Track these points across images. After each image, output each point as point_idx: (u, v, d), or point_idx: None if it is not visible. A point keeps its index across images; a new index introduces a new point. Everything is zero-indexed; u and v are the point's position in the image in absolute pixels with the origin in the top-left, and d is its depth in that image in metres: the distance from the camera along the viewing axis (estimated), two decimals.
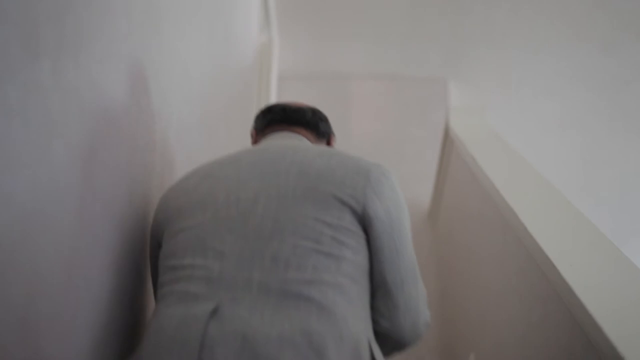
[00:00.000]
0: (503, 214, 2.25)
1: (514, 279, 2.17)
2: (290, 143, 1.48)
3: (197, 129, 1.98)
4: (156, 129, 1.46)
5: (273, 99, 4.25)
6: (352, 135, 4.67)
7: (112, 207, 1.16)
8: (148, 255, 1.39)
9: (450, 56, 4.89)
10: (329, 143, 1.67)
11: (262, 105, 4.11)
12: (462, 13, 4.59)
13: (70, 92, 0.96)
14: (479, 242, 2.79)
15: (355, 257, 1.29)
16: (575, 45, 4.73)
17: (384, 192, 1.36)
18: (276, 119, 1.59)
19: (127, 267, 1.26)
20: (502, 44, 4.76)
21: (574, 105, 5.02)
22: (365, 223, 1.32)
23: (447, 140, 3.72)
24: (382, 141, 4.73)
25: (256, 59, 3.91)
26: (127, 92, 1.24)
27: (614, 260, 1.64)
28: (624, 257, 1.65)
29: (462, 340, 3.27)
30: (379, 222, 1.33)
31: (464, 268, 3.19)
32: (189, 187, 1.35)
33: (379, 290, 1.34)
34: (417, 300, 1.39)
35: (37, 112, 0.85)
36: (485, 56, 4.84)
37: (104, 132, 1.10)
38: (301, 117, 1.60)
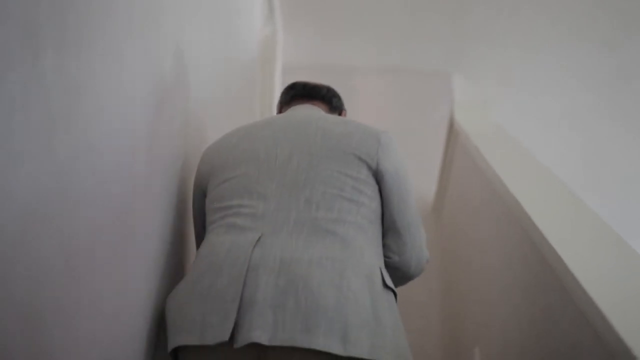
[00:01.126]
0: (508, 206, 2.24)
1: (519, 271, 2.16)
2: (312, 112, 1.81)
3: (202, 123, 1.97)
4: (160, 125, 1.46)
5: (277, 91, 4.25)
6: None
7: (114, 202, 1.16)
8: (191, 207, 1.66)
9: (454, 50, 4.88)
10: (341, 115, 2.01)
11: (266, 98, 4.11)
12: (466, 8, 4.57)
13: (72, 88, 0.95)
14: (484, 235, 2.78)
15: (371, 203, 1.61)
16: (577, 42, 4.72)
17: (391, 153, 1.69)
18: (298, 94, 1.95)
19: (127, 262, 1.26)
20: (505, 39, 4.75)
21: (576, 101, 5.01)
22: (378, 177, 1.64)
23: (451, 134, 3.71)
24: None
25: (260, 52, 3.90)
26: (129, 89, 1.24)
27: (620, 252, 1.64)
28: (630, 248, 1.64)
29: (466, 334, 3.26)
30: (389, 175, 1.66)
31: (469, 261, 3.18)
32: (231, 144, 1.68)
33: (390, 231, 1.66)
34: (421, 241, 1.72)
35: (39, 108, 0.85)
36: (489, 51, 4.83)
37: (106, 128, 1.10)
38: (318, 92, 1.96)
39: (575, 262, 1.59)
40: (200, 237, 1.71)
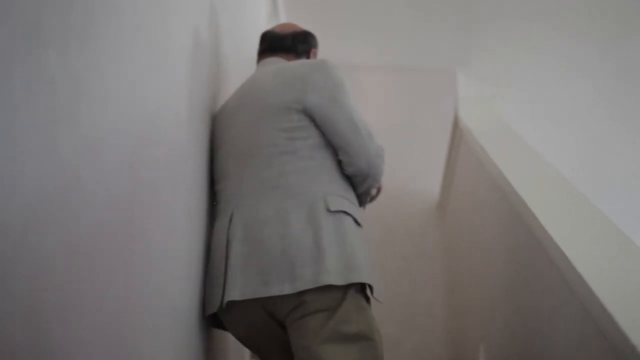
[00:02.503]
0: (513, 203, 2.24)
1: (523, 269, 2.16)
2: (267, 70, 2.02)
3: (206, 120, 1.97)
4: (164, 121, 1.46)
5: None
6: None
7: (119, 198, 1.16)
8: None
9: (458, 47, 4.87)
10: (309, 56, 2.22)
11: None
12: (471, 4, 4.57)
13: (76, 81, 0.95)
14: (489, 233, 2.78)
15: (306, 142, 1.86)
16: (577, 41, 4.72)
17: (318, 84, 1.89)
18: (266, 47, 2.16)
19: (131, 260, 1.26)
20: (507, 38, 4.74)
21: (577, 99, 5.00)
22: (308, 114, 1.86)
23: (456, 131, 3.71)
24: (391, 132, 4.72)
25: None
26: (134, 86, 1.24)
27: (625, 249, 1.63)
28: (634, 245, 1.64)
29: (471, 331, 3.26)
30: (316, 109, 1.86)
31: (474, 259, 3.18)
32: (216, 127, 2.00)
33: (338, 149, 1.88)
34: (364, 145, 1.90)
35: (43, 102, 0.85)
36: (493, 47, 4.82)
37: (109, 122, 1.10)
38: (283, 44, 2.14)
39: (579, 258, 1.59)
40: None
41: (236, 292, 1.72)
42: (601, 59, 4.80)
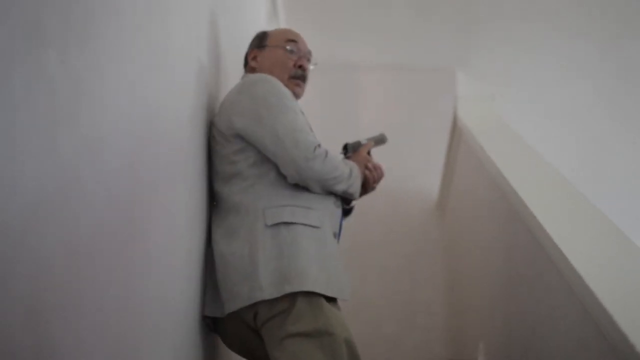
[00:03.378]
0: (512, 203, 2.24)
1: (523, 268, 2.16)
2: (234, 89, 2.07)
3: (206, 118, 1.97)
4: (163, 122, 1.46)
5: None
6: (360, 125, 4.66)
7: (119, 197, 1.16)
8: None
9: (458, 46, 4.87)
10: (247, 62, 2.23)
11: None
12: (470, 4, 4.57)
13: (76, 82, 0.95)
14: (488, 232, 2.78)
15: (247, 162, 1.94)
16: (577, 41, 4.71)
17: (243, 106, 1.94)
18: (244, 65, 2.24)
19: (131, 260, 1.26)
20: (506, 38, 4.74)
21: (576, 99, 5.00)
22: (239, 134, 1.93)
23: (456, 130, 3.71)
24: (390, 131, 4.71)
25: None
26: (134, 86, 1.24)
27: (625, 249, 1.64)
28: (633, 245, 1.64)
29: (471, 330, 3.26)
30: (242, 132, 1.93)
31: (473, 258, 3.18)
32: None
33: (276, 162, 1.93)
34: (286, 153, 1.90)
35: (43, 102, 0.85)
36: (492, 47, 4.82)
37: (109, 122, 1.10)
38: (246, 62, 2.22)
39: (578, 258, 1.59)
40: None
41: (208, 309, 1.88)
42: (601, 58, 4.79)
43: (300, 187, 1.95)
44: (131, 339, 1.24)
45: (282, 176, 1.94)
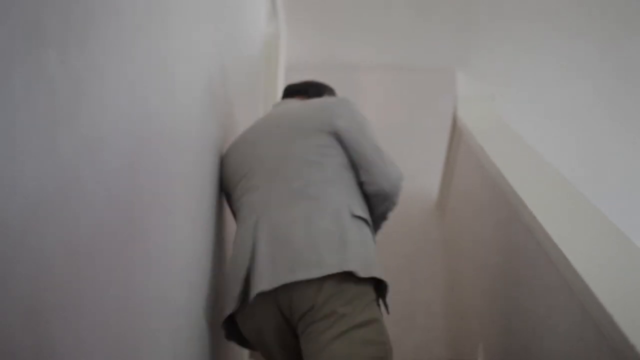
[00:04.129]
0: (512, 203, 2.24)
1: (522, 268, 2.16)
2: (286, 106, 2.32)
3: (206, 120, 1.97)
4: (164, 122, 1.46)
5: (280, 90, 4.24)
6: None
7: (119, 198, 1.16)
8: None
9: (457, 46, 4.87)
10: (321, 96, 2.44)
11: (270, 96, 4.11)
12: (470, 4, 4.56)
13: (76, 82, 0.95)
14: (488, 232, 2.78)
15: (334, 159, 2.07)
16: (577, 40, 4.71)
17: (344, 113, 2.15)
18: (284, 94, 2.51)
19: (131, 260, 1.26)
20: (506, 38, 4.74)
21: (576, 99, 5.00)
22: (337, 137, 2.10)
23: (456, 130, 3.71)
24: (390, 132, 4.72)
25: (263, 50, 3.90)
26: (134, 87, 1.24)
27: (625, 249, 1.63)
28: (633, 245, 1.64)
29: (470, 331, 3.26)
30: (344, 130, 2.11)
31: (473, 258, 3.18)
32: (234, 154, 2.21)
33: (361, 169, 2.11)
34: (386, 168, 2.14)
35: (42, 102, 0.85)
36: (492, 47, 4.81)
37: (109, 122, 1.10)
38: (296, 89, 2.49)
39: (578, 258, 1.59)
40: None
41: (263, 284, 1.83)
42: (601, 58, 4.79)
43: (367, 204, 2.13)
44: (131, 339, 1.24)
45: (358, 188, 2.11)
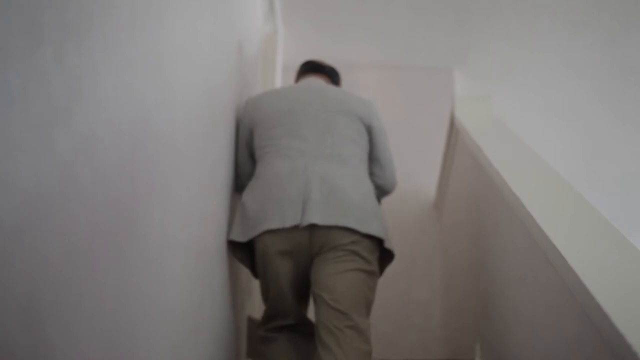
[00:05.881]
0: (509, 203, 2.24)
1: (520, 269, 2.16)
2: (321, 83, 2.76)
3: (203, 117, 1.97)
4: (160, 121, 1.46)
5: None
6: None
7: (115, 197, 1.16)
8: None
9: (455, 46, 4.87)
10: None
11: None
12: (468, 3, 4.56)
13: (73, 79, 0.95)
14: (485, 232, 2.78)
15: (365, 146, 2.55)
16: (577, 37, 4.70)
17: (377, 115, 2.65)
18: (310, 68, 2.89)
19: (128, 259, 1.26)
20: (505, 35, 4.73)
21: (577, 96, 5.00)
22: (369, 129, 2.59)
23: (453, 130, 3.71)
24: (387, 130, 4.71)
25: (261, 50, 3.89)
26: (130, 81, 1.23)
27: (622, 249, 1.63)
28: (631, 245, 1.64)
29: (467, 330, 3.26)
30: (375, 129, 2.61)
31: (470, 258, 3.18)
32: (268, 103, 2.59)
33: (375, 162, 2.63)
34: (393, 170, 2.70)
35: (39, 99, 0.85)
36: (490, 46, 4.81)
37: (106, 121, 1.10)
38: (323, 69, 2.89)
39: (576, 258, 1.59)
40: (243, 163, 2.60)
41: (317, 218, 2.26)
42: (599, 57, 4.79)
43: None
44: (128, 338, 1.24)
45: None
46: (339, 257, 2.27)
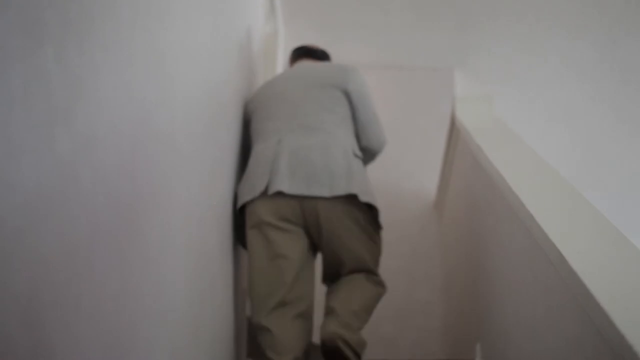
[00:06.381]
0: (509, 202, 2.24)
1: (520, 268, 2.16)
2: (308, 64, 2.95)
3: (203, 117, 1.97)
4: (161, 120, 1.46)
5: None
6: None
7: (116, 197, 1.16)
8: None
9: (456, 46, 4.86)
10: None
11: None
12: (469, 4, 4.56)
13: (74, 79, 0.95)
14: (485, 232, 2.78)
15: (342, 110, 2.72)
16: (577, 38, 4.70)
17: (355, 79, 2.80)
18: (302, 53, 3.13)
19: (129, 259, 1.26)
20: (506, 36, 4.73)
21: (576, 97, 4.99)
22: (347, 95, 2.76)
23: (453, 130, 3.70)
24: (388, 131, 4.71)
25: (261, 49, 3.89)
26: (131, 81, 1.23)
27: (622, 249, 1.63)
28: (631, 245, 1.64)
29: (468, 330, 3.26)
30: (353, 94, 2.77)
31: (470, 258, 3.18)
32: (262, 92, 2.82)
33: (359, 125, 2.79)
34: (378, 130, 2.85)
35: (40, 99, 0.85)
36: (491, 46, 4.81)
37: (107, 121, 1.10)
38: (314, 53, 3.12)
39: (576, 258, 1.59)
40: (247, 146, 2.83)
41: (284, 187, 2.47)
42: (600, 58, 4.79)
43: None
44: (128, 338, 1.24)
45: (354, 134, 2.76)
46: (343, 228, 2.55)
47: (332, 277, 2.64)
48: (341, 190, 2.48)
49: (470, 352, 3.06)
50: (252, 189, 2.51)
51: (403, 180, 4.69)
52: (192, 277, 1.79)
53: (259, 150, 2.61)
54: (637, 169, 5.20)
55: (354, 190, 2.48)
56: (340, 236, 2.52)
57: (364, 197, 2.50)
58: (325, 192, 2.47)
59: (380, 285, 2.61)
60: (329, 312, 2.45)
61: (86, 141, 1.00)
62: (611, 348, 1.32)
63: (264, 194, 2.48)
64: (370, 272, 2.59)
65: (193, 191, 1.82)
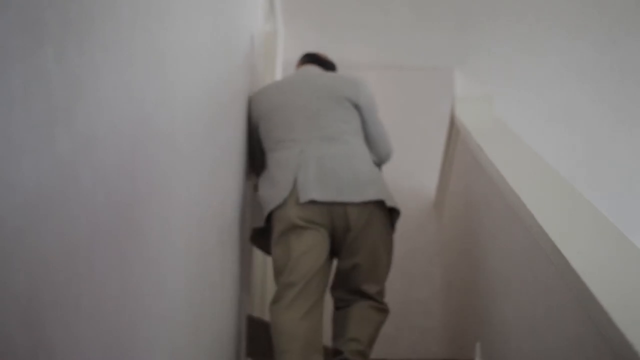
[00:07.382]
0: (509, 202, 2.24)
1: (520, 268, 2.16)
2: (315, 71, 3.11)
3: (203, 117, 1.97)
4: (161, 121, 1.46)
5: None
6: None
7: (116, 197, 1.16)
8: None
9: (456, 46, 4.86)
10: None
11: None
12: (469, 4, 4.56)
13: (74, 79, 0.95)
14: (485, 232, 2.78)
15: (355, 122, 2.88)
16: (577, 38, 4.70)
17: (365, 93, 2.97)
18: (308, 60, 3.24)
19: (129, 259, 1.26)
20: (506, 36, 4.73)
21: (576, 97, 4.99)
22: (358, 108, 2.92)
23: (453, 130, 3.70)
24: (388, 131, 4.71)
25: (261, 49, 3.89)
26: (131, 81, 1.23)
27: (622, 249, 1.63)
28: (631, 244, 1.64)
29: (468, 329, 3.26)
30: (364, 107, 2.94)
31: (470, 258, 3.18)
32: (269, 96, 2.95)
33: (369, 138, 2.95)
34: (386, 142, 3.02)
35: (40, 99, 0.85)
36: (491, 46, 4.81)
37: (107, 121, 1.10)
38: (318, 59, 3.23)
39: (576, 258, 1.59)
40: (256, 156, 2.97)
41: (316, 194, 2.62)
42: (600, 58, 4.79)
43: None
44: (128, 338, 1.24)
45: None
46: (361, 233, 2.70)
47: (341, 283, 2.76)
48: (370, 195, 2.66)
49: (470, 351, 3.06)
50: (277, 195, 2.65)
51: (403, 180, 4.68)
52: (192, 277, 1.79)
53: (281, 159, 2.75)
54: (637, 169, 5.20)
55: (381, 196, 2.68)
56: (365, 237, 2.67)
57: (390, 202, 2.70)
58: (355, 198, 2.63)
59: (385, 311, 2.74)
60: (350, 338, 2.63)
61: (86, 141, 1.00)
62: (611, 347, 1.32)
63: (294, 201, 2.62)
64: (378, 293, 2.73)
65: (193, 191, 1.82)
